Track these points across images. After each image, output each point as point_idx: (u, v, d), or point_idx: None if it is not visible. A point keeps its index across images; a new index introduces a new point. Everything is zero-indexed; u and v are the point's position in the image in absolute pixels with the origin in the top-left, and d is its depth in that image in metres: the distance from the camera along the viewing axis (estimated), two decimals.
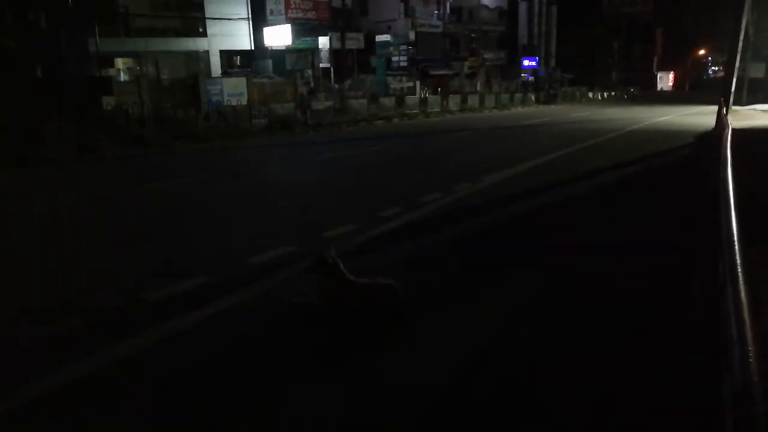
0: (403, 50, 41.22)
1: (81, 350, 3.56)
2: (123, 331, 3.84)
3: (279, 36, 34.63)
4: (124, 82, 26.88)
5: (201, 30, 33.35)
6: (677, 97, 56.47)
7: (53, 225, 7.31)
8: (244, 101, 24.15)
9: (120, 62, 32.33)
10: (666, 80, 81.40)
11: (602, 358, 3.50)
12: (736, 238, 3.24)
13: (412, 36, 42.77)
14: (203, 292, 4.51)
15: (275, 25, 35.07)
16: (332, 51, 35.26)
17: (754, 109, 30.70)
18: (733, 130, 11.80)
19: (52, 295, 4.64)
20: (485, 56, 50.55)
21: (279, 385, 3.22)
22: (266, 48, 35.49)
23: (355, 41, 37.39)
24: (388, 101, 29.21)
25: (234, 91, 25.35)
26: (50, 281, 5.02)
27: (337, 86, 32.69)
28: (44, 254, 5.93)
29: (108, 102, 20.27)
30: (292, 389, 3.18)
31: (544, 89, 49.29)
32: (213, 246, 6.04)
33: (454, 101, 34.02)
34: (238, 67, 35.25)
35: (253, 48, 34.92)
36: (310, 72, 36.03)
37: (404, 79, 39.14)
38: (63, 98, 18.93)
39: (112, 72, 30.30)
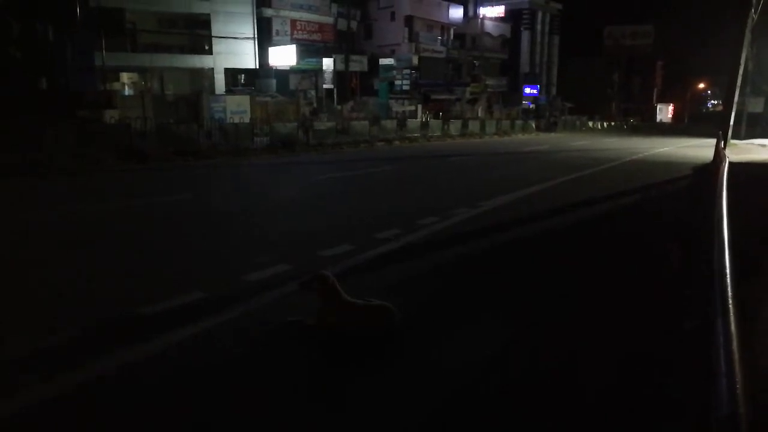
0: (406, 74, 41.71)
1: (74, 362, 3.55)
2: (117, 343, 3.84)
3: (284, 56, 35.08)
4: (129, 96, 27.18)
5: (207, 48, 33.79)
6: (676, 129, 57.01)
7: (46, 237, 7.32)
8: (247, 119, 24.37)
9: (125, 76, 32.68)
10: (665, 112, 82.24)
11: (591, 384, 3.51)
12: (728, 271, 3.27)
13: (415, 60, 43.34)
14: (197, 308, 4.51)
15: (280, 45, 35.56)
16: (336, 73, 35.69)
17: (752, 144, 30.95)
18: (730, 163, 11.90)
19: (44, 308, 4.64)
20: (487, 82, 51.18)
21: (270, 402, 3.22)
22: (270, 67, 35.92)
23: (358, 64, 37.89)
24: (389, 124, 29.46)
25: (237, 108, 25.61)
26: (42, 293, 5.01)
27: (339, 107, 32.97)
28: (36, 266, 5.93)
29: (111, 115, 20.46)
30: (283, 408, 3.18)
31: (544, 117, 49.77)
32: (209, 263, 6.05)
33: (455, 126, 34.30)
34: (242, 85, 35.66)
35: (257, 67, 35.33)
36: (313, 92, 36.43)
37: (406, 102, 39.56)
38: (66, 110, 19.10)
39: (116, 86, 30.62)
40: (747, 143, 31.05)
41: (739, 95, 27.45)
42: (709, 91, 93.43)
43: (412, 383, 3.47)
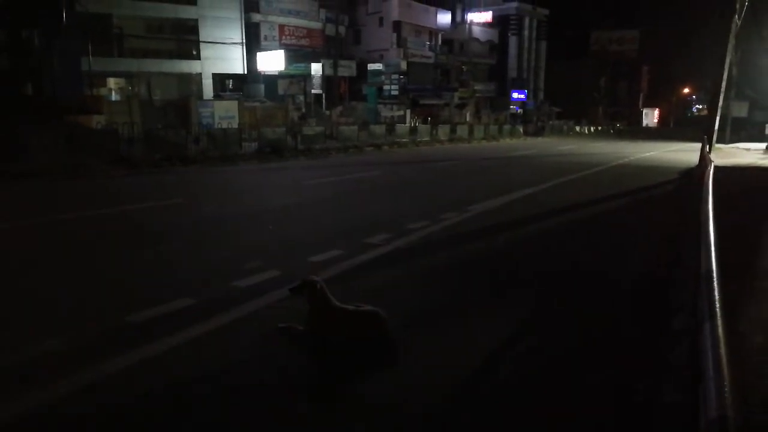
0: (395, 79, 41.76)
1: (64, 371, 3.52)
2: (107, 351, 3.80)
3: (272, 61, 34.99)
4: (115, 101, 26.98)
5: (195, 53, 33.63)
6: (662, 133, 57.52)
7: (33, 244, 7.24)
8: (235, 124, 24.27)
9: (112, 82, 32.45)
10: (651, 116, 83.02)
11: (580, 387, 3.53)
12: (714, 274, 3.30)
13: (403, 65, 43.40)
14: (187, 315, 4.48)
15: (269, 50, 35.45)
16: (324, 78, 35.66)
17: (737, 148, 31.33)
18: (715, 167, 12.03)
19: (33, 317, 4.59)
20: (475, 88, 51.36)
21: (262, 409, 3.20)
22: (259, 72, 35.80)
23: (347, 69, 37.89)
24: (378, 129, 29.48)
25: (225, 114, 25.51)
26: (31, 302, 4.96)
27: (328, 112, 32.95)
28: (25, 274, 5.87)
29: (98, 121, 20.30)
30: (275, 413, 3.16)
31: (532, 122, 50.03)
32: (198, 269, 6.01)
33: (443, 131, 34.40)
34: (230, 90, 35.48)
35: (245, 72, 35.20)
36: (301, 98, 36.35)
37: (395, 107, 39.60)
38: (52, 115, 18.91)
39: (103, 91, 30.39)
40: (732, 147, 31.42)
41: (724, 100, 27.76)
42: (694, 96, 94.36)
43: (402, 387, 3.47)
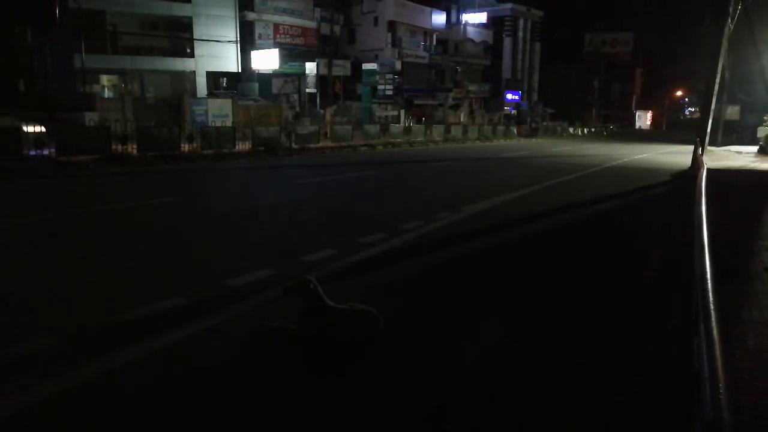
0: (389, 79, 41.84)
1: (53, 370, 3.48)
2: (97, 350, 3.77)
3: (266, 60, 34.95)
4: (108, 98, 26.87)
5: (188, 50, 33.52)
6: (655, 135, 57.85)
7: (24, 243, 7.18)
8: (229, 123, 24.19)
9: (105, 79, 32.30)
10: (644, 119, 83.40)
11: (574, 392, 3.52)
12: (708, 277, 3.31)
13: (398, 65, 43.48)
14: (180, 314, 4.45)
15: (263, 49, 35.42)
16: (319, 77, 35.64)
17: (729, 150, 31.54)
18: (708, 170, 12.09)
19: (23, 314, 4.54)
20: (469, 88, 51.51)
21: (252, 408, 3.18)
22: (253, 71, 35.74)
23: (342, 68, 37.88)
24: (372, 128, 29.48)
25: (219, 112, 25.46)
26: (20, 301, 4.91)
27: (322, 111, 32.93)
28: (13, 273, 5.82)
29: (90, 118, 20.19)
30: (266, 413, 3.14)
31: (526, 123, 50.20)
32: (191, 267, 5.97)
33: (437, 131, 34.44)
34: (224, 88, 35.40)
35: (240, 70, 35.13)
36: (296, 96, 36.32)
37: (389, 107, 39.68)
38: (44, 112, 18.82)
39: (96, 88, 30.24)
40: (723, 150, 31.63)
41: (716, 103, 27.91)
42: (686, 99, 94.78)
43: (396, 386, 3.45)
